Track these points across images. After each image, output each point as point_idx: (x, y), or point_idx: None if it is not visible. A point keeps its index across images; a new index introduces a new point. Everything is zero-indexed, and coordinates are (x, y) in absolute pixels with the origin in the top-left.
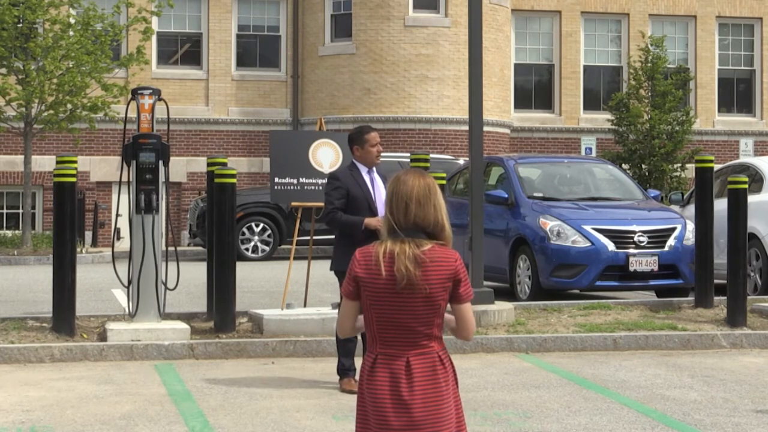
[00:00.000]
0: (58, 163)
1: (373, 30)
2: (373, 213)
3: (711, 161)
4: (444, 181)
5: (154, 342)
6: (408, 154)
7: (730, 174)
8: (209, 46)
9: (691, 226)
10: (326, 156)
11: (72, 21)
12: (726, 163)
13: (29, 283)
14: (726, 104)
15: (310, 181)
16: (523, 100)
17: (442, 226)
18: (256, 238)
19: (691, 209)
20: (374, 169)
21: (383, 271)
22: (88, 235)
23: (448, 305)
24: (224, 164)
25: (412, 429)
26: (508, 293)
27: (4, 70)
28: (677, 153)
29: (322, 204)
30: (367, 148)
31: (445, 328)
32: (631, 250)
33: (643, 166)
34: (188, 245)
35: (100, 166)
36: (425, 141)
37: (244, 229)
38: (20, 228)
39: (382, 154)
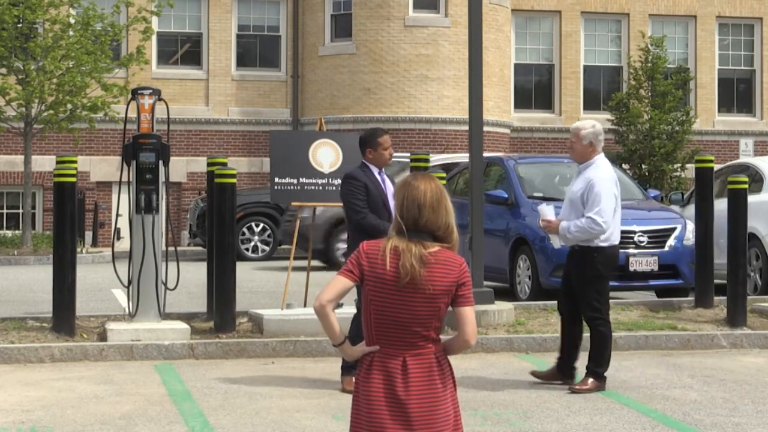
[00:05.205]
0: (58, 163)
1: (373, 30)
2: (389, 211)
3: (711, 161)
4: (444, 181)
5: (154, 342)
6: (408, 154)
7: (730, 174)
8: (209, 46)
9: (691, 226)
10: (326, 156)
11: (72, 21)
12: (726, 163)
13: (29, 283)
14: (726, 104)
15: (310, 181)
16: (523, 100)
17: (452, 230)
18: (256, 238)
19: (691, 209)
20: (383, 169)
21: (388, 265)
22: (88, 235)
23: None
24: (224, 164)
25: (407, 429)
26: (508, 293)
27: (4, 70)
28: (677, 153)
29: (322, 204)
30: (380, 151)
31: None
32: (631, 250)
33: (643, 166)
34: (188, 245)
35: (100, 166)
36: (425, 141)
37: (244, 229)
38: (20, 228)
39: None
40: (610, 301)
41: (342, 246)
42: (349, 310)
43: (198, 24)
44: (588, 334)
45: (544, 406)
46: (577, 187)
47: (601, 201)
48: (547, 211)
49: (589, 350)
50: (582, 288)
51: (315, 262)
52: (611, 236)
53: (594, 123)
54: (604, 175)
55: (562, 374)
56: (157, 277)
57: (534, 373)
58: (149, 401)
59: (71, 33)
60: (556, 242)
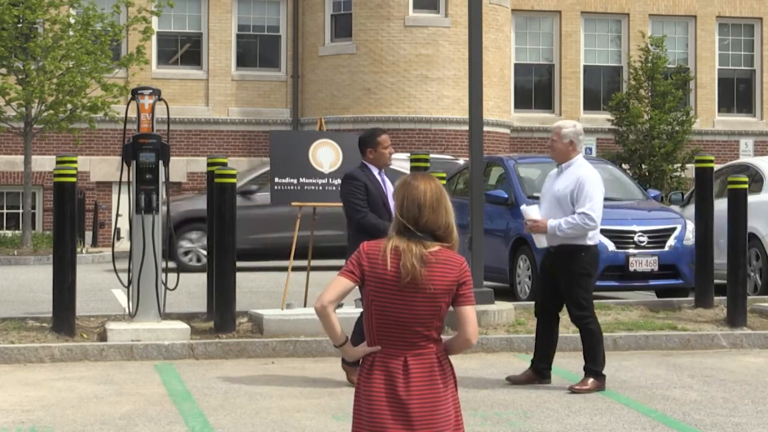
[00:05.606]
0: (58, 163)
1: (373, 30)
2: (389, 211)
3: (711, 161)
4: (444, 181)
5: (154, 342)
6: (408, 154)
7: (730, 174)
8: (209, 46)
9: (691, 226)
10: (326, 156)
11: (72, 21)
12: (726, 163)
13: (29, 283)
14: (726, 104)
15: (310, 181)
16: (523, 100)
17: (451, 230)
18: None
19: (691, 209)
20: (383, 170)
21: (389, 265)
22: (88, 235)
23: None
24: (224, 164)
25: (408, 429)
26: (508, 293)
27: (4, 70)
28: (677, 153)
29: (322, 204)
30: (380, 150)
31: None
32: (631, 250)
33: (643, 166)
34: None
35: (100, 166)
36: (425, 141)
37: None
38: (20, 228)
39: None
40: (610, 301)
41: (186, 245)
42: (350, 310)
43: (198, 24)
44: (578, 335)
45: (544, 406)
46: (564, 185)
47: (593, 198)
48: (530, 211)
49: (583, 350)
50: (569, 287)
51: (315, 261)
52: (596, 235)
53: (575, 123)
54: (592, 173)
55: (540, 376)
56: (157, 277)
57: (510, 379)
58: (149, 401)
59: (71, 33)
60: (541, 242)
